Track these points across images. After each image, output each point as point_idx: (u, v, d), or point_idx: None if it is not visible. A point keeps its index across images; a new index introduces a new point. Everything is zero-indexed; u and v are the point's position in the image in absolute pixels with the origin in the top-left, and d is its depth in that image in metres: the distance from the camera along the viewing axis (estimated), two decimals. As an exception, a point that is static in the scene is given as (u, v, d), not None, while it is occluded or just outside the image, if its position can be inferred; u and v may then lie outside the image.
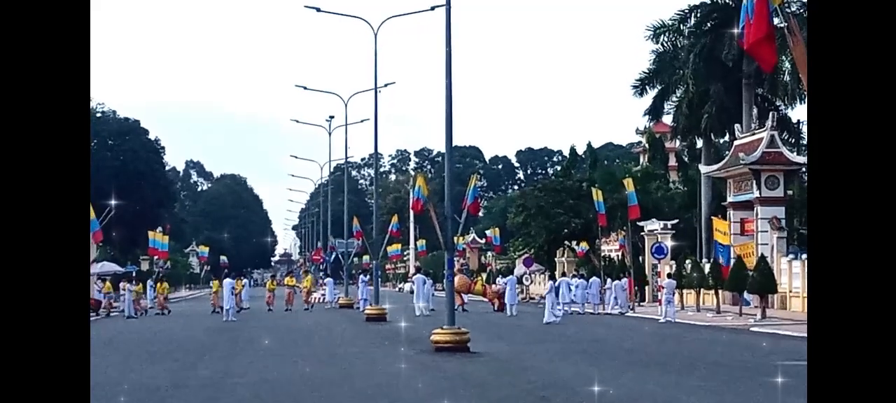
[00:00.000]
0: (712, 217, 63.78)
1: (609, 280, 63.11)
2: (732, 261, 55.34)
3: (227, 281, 60.61)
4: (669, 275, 55.17)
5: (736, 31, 47.93)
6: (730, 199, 63.70)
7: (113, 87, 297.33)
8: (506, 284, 62.06)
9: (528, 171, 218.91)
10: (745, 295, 53.26)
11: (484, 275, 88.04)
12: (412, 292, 63.89)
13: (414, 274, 72.35)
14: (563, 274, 73.22)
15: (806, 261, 52.26)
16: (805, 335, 36.77)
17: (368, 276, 69.27)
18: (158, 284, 69.02)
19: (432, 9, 52.47)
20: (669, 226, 72.07)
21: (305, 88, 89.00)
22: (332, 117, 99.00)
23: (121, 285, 65.56)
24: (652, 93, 74.99)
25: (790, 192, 63.49)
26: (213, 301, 66.43)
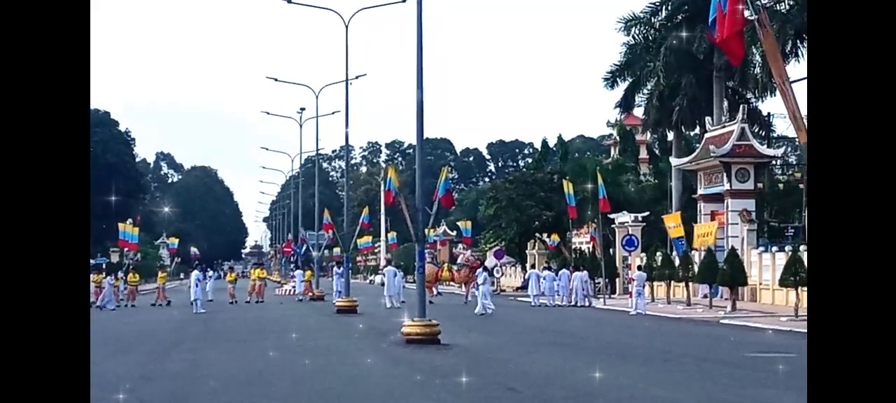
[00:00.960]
0: (663, 215, 63.84)
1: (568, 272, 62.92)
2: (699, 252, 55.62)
3: (194, 272, 60.37)
4: (640, 268, 55.26)
5: (707, 23, 48.03)
6: (700, 192, 63.86)
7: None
8: (477, 277, 62.01)
9: (499, 164, 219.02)
10: (706, 287, 53.38)
11: (451, 265, 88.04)
12: (383, 284, 63.84)
13: (385, 267, 72.29)
14: (534, 267, 73.26)
15: (807, 258, 52.47)
16: (774, 327, 37.04)
17: (341, 268, 69.26)
18: (129, 275, 68.74)
19: (403, 0, 52.50)
20: (640, 219, 72.19)
21: (276, 80, 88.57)
22: (303, 109, 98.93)
23: (106, 279, 65.18)
24: (623, 86, 75.06)
25: (760, 185, 63.70)
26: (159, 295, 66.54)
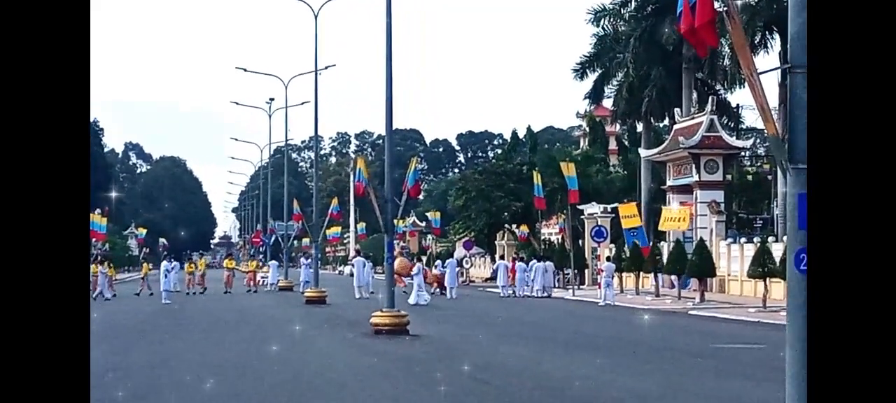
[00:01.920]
0: (618, 205, 63.90)
1: (534, 262, 63.01)
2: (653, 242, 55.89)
3: (163, 263, 60.21)
4: (609, 259, 55.36)
5: (676, 15, 48.03)
6: (669, 183, 64.04)
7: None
8: (446, 267, 62.11)
9: (469, 155, 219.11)
10: (671, 278, 53.55)
11: (424, 258, 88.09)
12: (352, 275, 63.81)
13: (354, 257, 72.24)
14: (502, 258, 73.30)
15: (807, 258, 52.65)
16: (742, 318, 37.18)
17: (309, 259, 69.10)
18: (94, 266, 68.43)
19: (373, -9, 52.42)
20: (609, 210, 72.31)
21: (245, 70, 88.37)
22: (272, 100, 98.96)
23: (99, 268, 64.86)
24: (593, 77, 75.08)
25: (729, 176, 63.92)
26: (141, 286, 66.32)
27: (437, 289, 62.66)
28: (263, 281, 78.30)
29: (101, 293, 60.15)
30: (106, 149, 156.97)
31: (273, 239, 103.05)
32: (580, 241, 72.28)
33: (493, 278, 67.90)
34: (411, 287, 52.89)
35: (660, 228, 60.36)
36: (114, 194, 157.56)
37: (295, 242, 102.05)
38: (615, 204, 72.61)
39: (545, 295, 59.37)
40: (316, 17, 58.72)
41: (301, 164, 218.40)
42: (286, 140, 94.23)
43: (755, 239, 51.67)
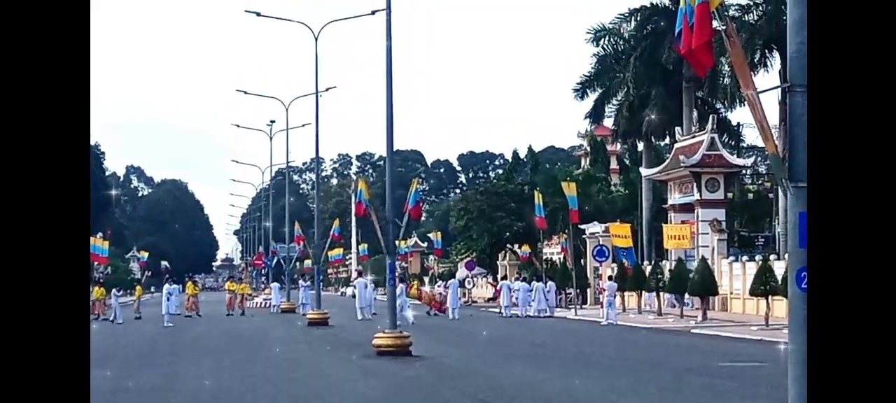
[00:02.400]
0: (609, 224, 63.89)
1: (535, 283, 63.09)
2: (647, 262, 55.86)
3: (166, 286, 60.20)
4: (611, 278, 55.29)
5: (675, 34, 48.00)
6: (671, 202, 64.01)
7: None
8: (448, 288, 62.10)
9: (470, 175, 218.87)
10: (682, 297, 53.49)
11: (416, 282, 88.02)
12: (354, 296, 63.76)
13: (356, 279, 72.19)
14: (505, 278, 73.26)
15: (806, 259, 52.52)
16: (744, 336, 37.12)
17: (309, 281, 68.99)
18: (95, 290, 68.42)
19: (373, 13, 52.52)
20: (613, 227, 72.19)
21: (246, 93, 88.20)
22: (273, 122, 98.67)
23: (113, 291, 64.83)
24: (593, 97, 75.10)
25: (730, 195, 63.87)
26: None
27: (434, 311, 62.60)
28: (265, 303, 78.23)
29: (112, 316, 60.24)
30: (107, 173, 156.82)
31: (275, 261, 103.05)
32: (582, 261, 72.24)
33: (496, 298, 67.87)
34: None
35: (664, 246, 60.29)
36: (115, 217, 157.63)
37: (297, 264, 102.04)
38: (618, 223, 72.69)
39: (547, 314, 59.34)
40: (316, 39, 58.81)
41: (302, 186, 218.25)
42: (287, 162, 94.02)
43: (757, 258, 51.59)
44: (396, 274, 34.97)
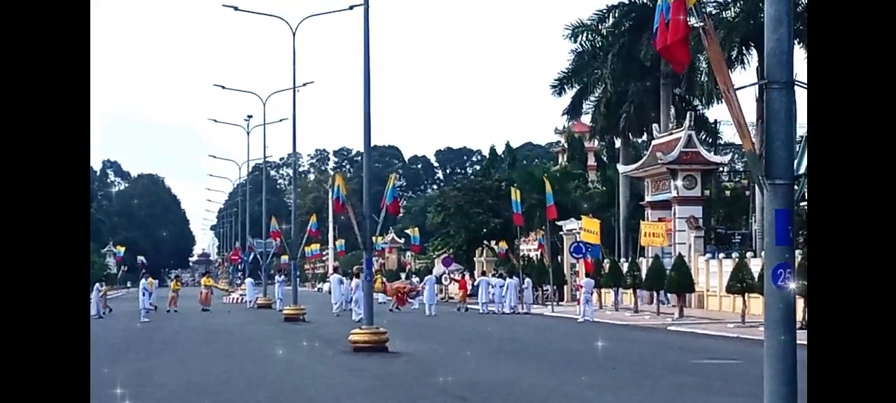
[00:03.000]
0: (583, 216, 63.92)
1: (508, 279, 63.17)
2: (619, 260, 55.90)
3: (142, 282, 60.07)
4: (588, 275, 55.30)
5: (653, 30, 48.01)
6: (648, 198, 64.10)
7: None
8: (425, 284, 62.10)
9: (448, 171, 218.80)
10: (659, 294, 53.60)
11: (380, 275, 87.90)
12: (330, 292, 63.72)
13: (331, 274, 72.14)
14: (483, 274, 73.29)
15: (806, 259, 52.70)
16: (721, 333, 37.21)
17: (284, 276, 68.81)
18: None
19: (350, 8, 52.52)
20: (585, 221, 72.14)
21: (223, 88, 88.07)
22: (250, 117, 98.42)
23: (96, 285, 64.41)
24: (571, 93, 75.13)
25: (707, 192, 64.00)
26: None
27: (395, 305, 62.57)
28: (240, 299, 78.04)
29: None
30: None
31: (252, 256, 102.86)
32: (559, 257, 72.28)
33: (473, 294, 67.87)
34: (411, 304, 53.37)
35: (642, 243, 60.37)
36: (92, 212, 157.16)
37: (274, 259, 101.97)
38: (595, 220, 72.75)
39: (524, 311, 59.40)
40: (294, 34, 58.77)
41: (279, 181, 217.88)
42: (264, 157, 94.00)
43: (733, 255, 51.69)
44: (372, 269, 34.91)
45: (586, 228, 58.75)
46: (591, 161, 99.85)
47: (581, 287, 53.22)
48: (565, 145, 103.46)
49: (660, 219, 61.78)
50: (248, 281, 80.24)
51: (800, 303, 25.90)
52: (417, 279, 70.81)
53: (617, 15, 70.04)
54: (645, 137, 73.48)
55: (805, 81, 9.65)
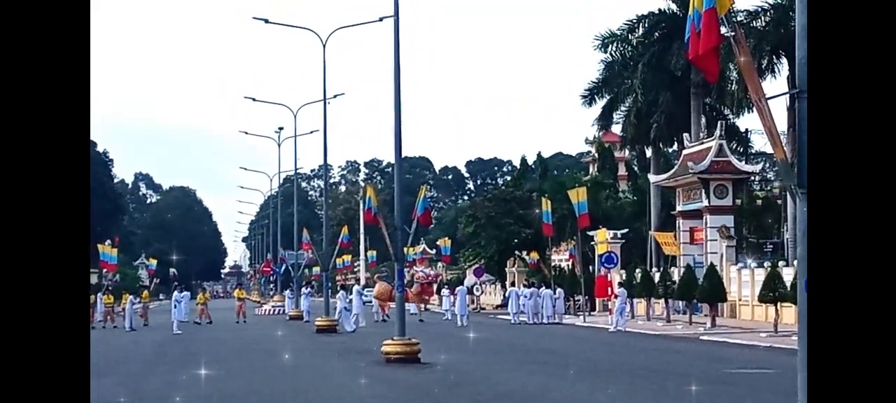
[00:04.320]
0: (593, 230, 64.03)
1: (536, 289, 63.19)
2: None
3: (175, 294, 60.23)
4: (621, 285, 55.10)
5: (684, 40, 47.90)
6: (679, 208, 63.92)
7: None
8: (457, 294, 62.07)
9: (478, 182, 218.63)
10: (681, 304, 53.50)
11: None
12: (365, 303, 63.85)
13: (352, 284, 72.26)
14: (513, 284, 73.19)
15: (807, 259, 52.52)
16: (753, 343, 37.06)
17: (311, 288, 68.79)
18: (104, 297, 68.36)
19: (381, 19, 52.48)
20: (619, 236, 72.14)
21: (254, 100, 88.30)
22: (281, 129, 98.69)
23: (129, 298, 64.67)
24: (601, 103, 75.15)
25: (739, 201, 63.78)
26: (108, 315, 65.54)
27: (385, 316, 62.55)
28: (275, 310, 78.11)
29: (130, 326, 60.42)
30: (116, 180, 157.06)
31: (283, 268, 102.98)
32: (590, 267, 72.20)
33: (504, 305, 67.78)
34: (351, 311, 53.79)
35: (666, 253, 60.29)
36: (124, 224, 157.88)
37: (306, 271, 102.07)
38: (626, 230, 72.66)
39: (556, 321, 59.36)
40: (324, 46, 58.85)
41: (310, 193, 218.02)
42: (295, 169, 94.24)
43: (765, 264, 51.54)
44: (404, 280, 34.95)
45: (600, 240, 58.98)
46: (622, 171, 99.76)
47: (617, 295, 52.89)
48: (596, 155, 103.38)
49: (691, 229, 61.65)
50: (286, 293, 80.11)
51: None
52: (447, 290, 70.76)
53: (647, 25, 70.01)
54: (675, 147, 73.34)
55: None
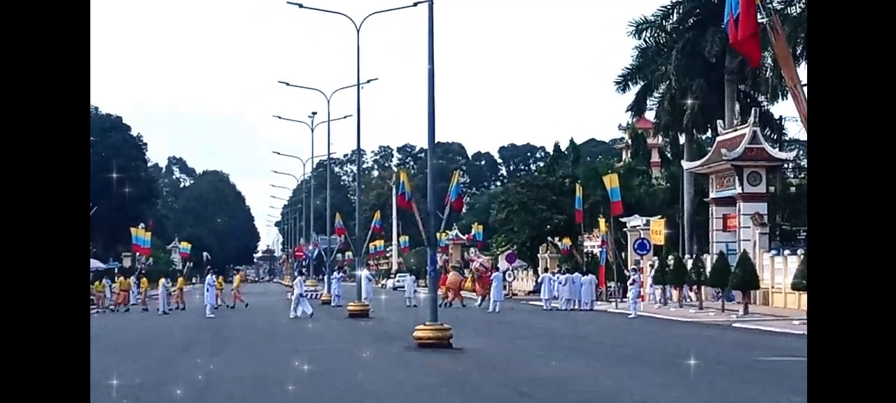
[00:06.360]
0: (626, 217, 64.11)
1: (567, 275, 63.24)
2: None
3: (208, 278, 60.51)
4: (634, 269, 55.32)
5: (719, 27, 47.84)
6: (712, 195, 63.72)
7: (96, 84, 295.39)
8: (493, 280, 62.03)
9: (511, 168, 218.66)
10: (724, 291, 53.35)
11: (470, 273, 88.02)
12: (395, 288, 63.88)
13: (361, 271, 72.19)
14: (546, 270, 73.13)
15: (805, 258, 52.39)
16: (786, 330, 36.94)
17: (341, 273, 68.87)
18: (120, 281, 68.73)
19: (415, 4, 52.51)
20: (652, 222, 71.93)
21: (288, 85, 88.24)
22: (314, 113, 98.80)
23: (161, 281, 64.99)
24: (635, 89, 74.93)
25: (772, 188, 63.52)
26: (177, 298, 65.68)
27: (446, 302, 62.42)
28: (311, 295, 78.43)
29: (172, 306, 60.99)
30: (149, 164, 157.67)
31: (316, 252, 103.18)
32: (623, 254, 72.08)
33: (536, 291, 67.76)
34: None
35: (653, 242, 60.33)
36: (157, 207, 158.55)
37: (339, 256, 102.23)
38: (659, 216, 72.48)
39: (588, 308, 59.44)
40: (358, 31, 58.87)
41: (343, 178, 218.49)
42: (329, 153, 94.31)
43: (799, 252, 51.33)
44: (436, 265, 34.99)
45: (656, 230, 58.94)
46: (655, 157, 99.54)
47: (643, 282, 52.94)
48: (629, 141, 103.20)
49: (724, 216, 61.50)
50: (335, 275, 78.29)
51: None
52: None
53: (681, 11, 69.83)
54: (709, 134, 73.09)
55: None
